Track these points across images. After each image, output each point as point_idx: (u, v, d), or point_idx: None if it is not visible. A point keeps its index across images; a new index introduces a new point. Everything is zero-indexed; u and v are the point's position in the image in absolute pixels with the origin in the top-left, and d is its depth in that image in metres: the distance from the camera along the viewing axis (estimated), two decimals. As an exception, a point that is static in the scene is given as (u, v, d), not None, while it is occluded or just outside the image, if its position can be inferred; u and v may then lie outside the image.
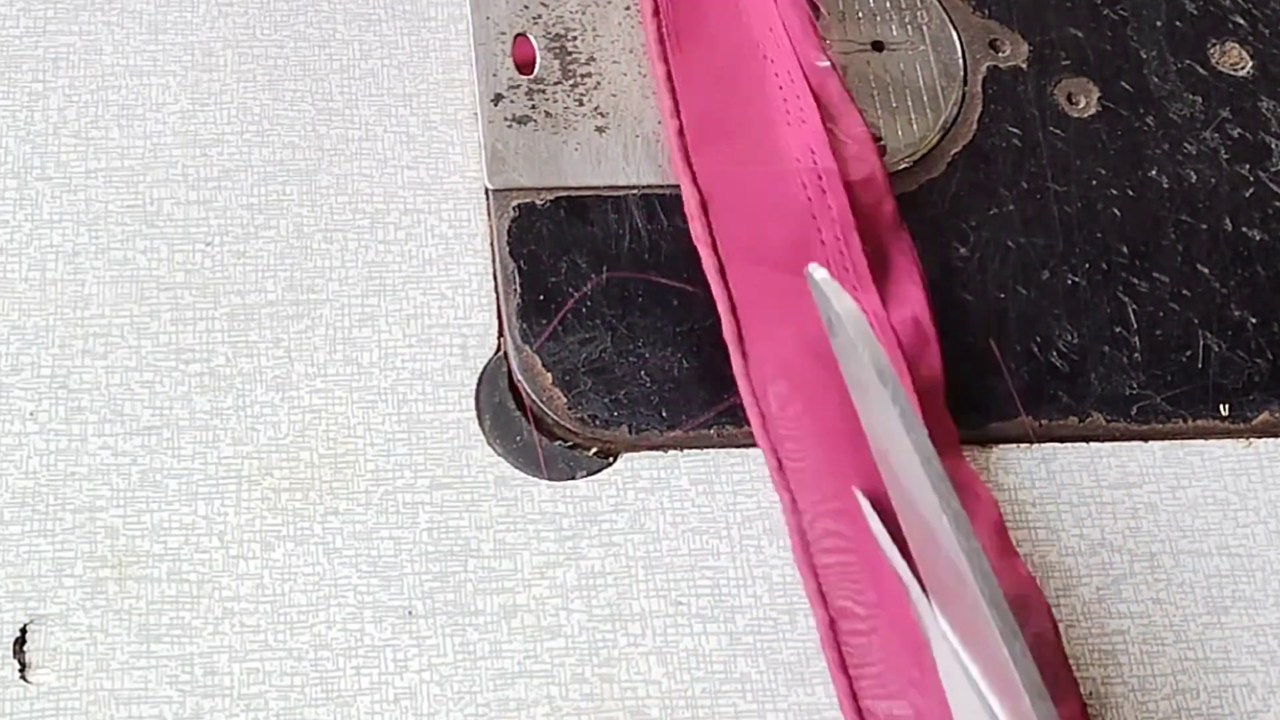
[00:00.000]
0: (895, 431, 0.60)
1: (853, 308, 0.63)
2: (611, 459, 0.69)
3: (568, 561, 0.68)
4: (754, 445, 0.70)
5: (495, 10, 0.79)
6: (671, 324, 0.72)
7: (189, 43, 0.76)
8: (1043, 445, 0.72)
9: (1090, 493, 0.72)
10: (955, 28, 0.81)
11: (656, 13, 0.78)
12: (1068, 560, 0.71)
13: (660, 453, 0.70)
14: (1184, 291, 0.76)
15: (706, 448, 0.70)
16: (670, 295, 0.73)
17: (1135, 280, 0.76)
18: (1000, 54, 0.81)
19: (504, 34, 0.78)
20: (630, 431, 0.70)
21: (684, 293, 0.73)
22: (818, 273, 0.65)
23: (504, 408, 0.70)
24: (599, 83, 0.78)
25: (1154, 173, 0.79)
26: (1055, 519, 0.71)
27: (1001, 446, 0.72)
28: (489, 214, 0.74)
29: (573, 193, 0.75)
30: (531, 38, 0.78)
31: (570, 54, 0.78)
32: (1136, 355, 0.74)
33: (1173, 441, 0.73)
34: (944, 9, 0.82)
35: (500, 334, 0.71)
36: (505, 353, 0.71)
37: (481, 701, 0.65)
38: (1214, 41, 0.83)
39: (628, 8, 0.80)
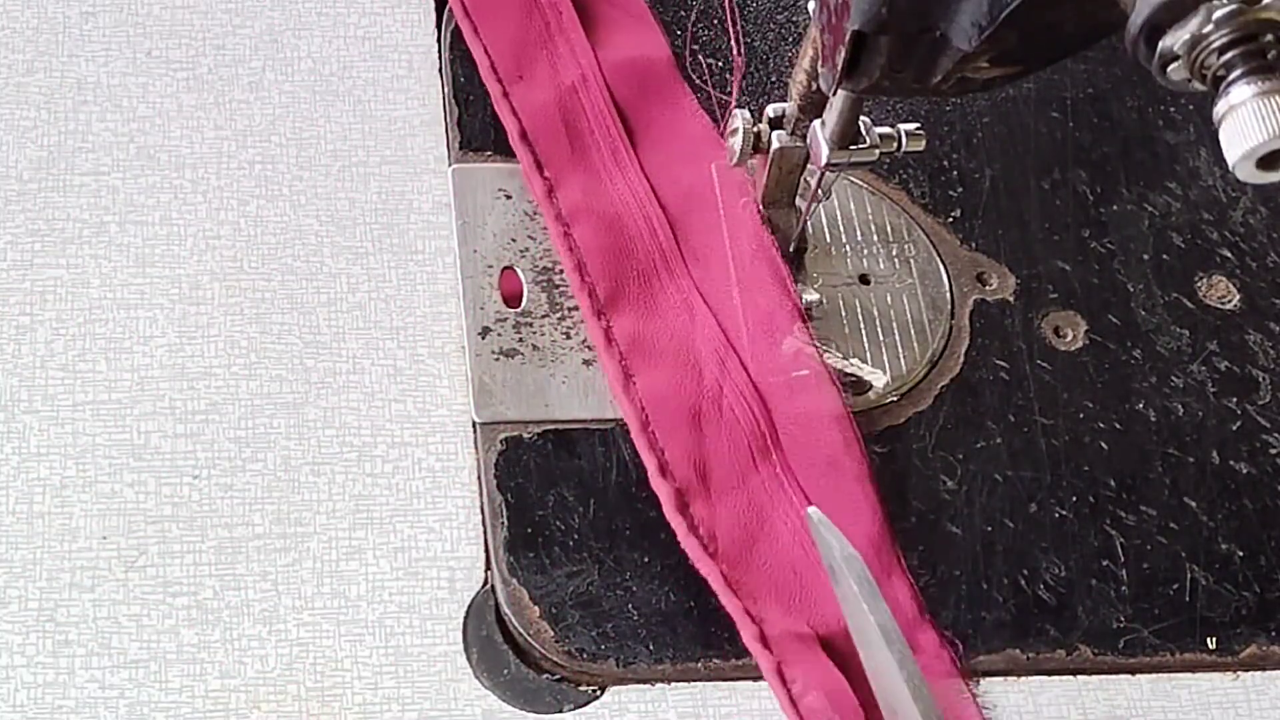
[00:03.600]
0: (900, 691, 0.71)
1: (854, 554, 0.75)
2: (599, 692, 0.78)
3: (555, 795, 0.76)
4: (742, 679, 0.77)
5: (482, 244, 0.88)
6: (659, 557, 0.80)
7: (176, 276, 0.85)
8: (1030, 678, 0.80)
9: (1079, 727, 0.80)
10: (942, 261, 0.91)
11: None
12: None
13: (648, 686, 0.77)
14: (1171, 525, 0.84)
15: (694, 681, 0.77)
16: (657, 528, 0.81)
17: (1122, 513, 0.84)
18: (988, 287, 0.91)
19: (491, 267, 0.88)
20: (618, 665, 0.77)
21: (671, 526, 0.81)
22: (816, 515, 0.77)
23: (491, 641, 0.78)
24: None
25: (1141, 406, 0.88)
26: (1045, 754, 0.79)
27: (988, 679, 0.79)
28: (476, 447, 0.82)
29: (560, 425, 0.83)
30: (519, 270, 0.88)
31: (558, 286, 0.87)
32: (1124, 588, 0.82)
33: (1160, 675, 0.80)
34: (931, 242, 0.91)
35: (488, 567, 0.79)
36: (493, 586, 0.79)
37: None
38: (1201, 275, 0.93)
39: (614, 241, 0.90)
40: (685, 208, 0.89)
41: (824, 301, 0.87)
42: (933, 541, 0.82)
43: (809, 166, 0.84)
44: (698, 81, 0.94)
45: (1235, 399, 0.89)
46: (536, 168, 0.89)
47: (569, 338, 0.86)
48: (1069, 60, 0.93)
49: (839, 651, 0.77)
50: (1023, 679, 0.80)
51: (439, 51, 0.94)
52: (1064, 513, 0.84)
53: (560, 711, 0.77)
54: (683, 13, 0.97)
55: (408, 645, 0.77)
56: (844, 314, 0.88)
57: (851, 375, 0.86)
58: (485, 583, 0.79)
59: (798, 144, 0.83)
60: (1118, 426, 0.87)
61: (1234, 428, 0.88)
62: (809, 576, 0.79)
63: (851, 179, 0.92)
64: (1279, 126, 0.55)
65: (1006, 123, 0.96)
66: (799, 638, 0.77)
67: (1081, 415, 0.87)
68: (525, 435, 0.83)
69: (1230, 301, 0.92)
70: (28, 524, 0.78)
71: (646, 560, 0.80)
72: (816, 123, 0.80)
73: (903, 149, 0.82)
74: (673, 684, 0.78)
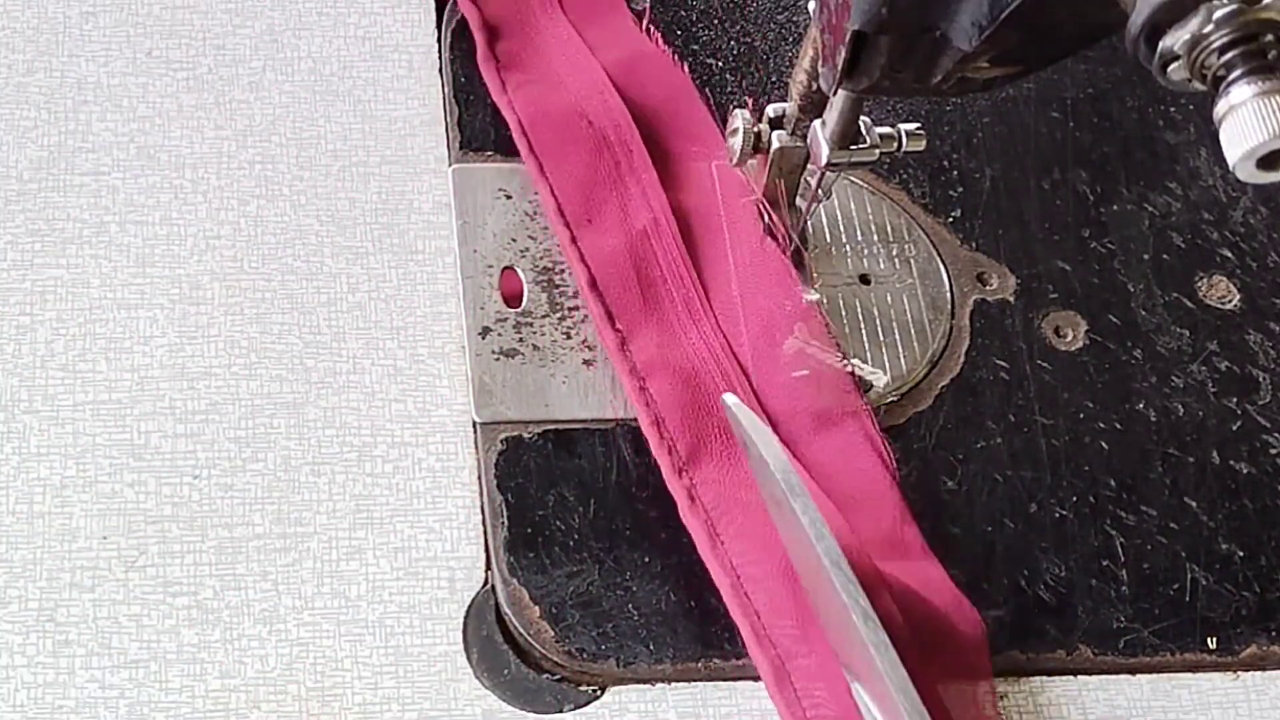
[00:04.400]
0: (805, 539, 0.73)
1: (765, 430, 0.77)
2: (599, 692, 0.78)
3: (555, 796, 0.76)
4: (742, 679, 0.78)
5: (483, 243, 0.88)
6: (659, 557, 0.80)
7: (176, 276, 0.85)
8: (1030, 679, 0.80)
9: (1080, 727, 0.80)
10: (943, 261, 0.91)
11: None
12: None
13: (648, 686, 0.77)
14: (1171, 525, 0.84)
15: (694, 681, 0.78)
16: (658, 529, 0.81)
17: (1123, 513, 0.84)
18: (988, 287, 0.91)
19: (491, 267, 0.88)
20: (618, 665, 0.77)
21: (671, 526, 0.81)
22: (730, 400, 0.79)
23: (492, 641, 0.78)
24: (586, 315, 0.87)
25: (1141, 406, 0.88)
26: (1046, 754, 0.79)
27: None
28: (477, 447, 0.82)
29: (560, 426, 0.83)
30: (519, 270, 0.88)
31: (558, 286, 0.88)
32: (1124, 588, 0.82)
33: (1160, 675, 0.80)
34: (931, 242, 0.91)
35: (488, 567, 0.79)
36: (493, 586, 0.79)
37: None
38: (1201, 275, 0.93)
39: (614, 241, 0.90)
40: (760, 345, 0.87)
41: (824, 301, 0.87)
42: (933, 541, 0.82)
43: (809, 166, 0.84)
44: (698, 82, 0.95)
45: (1235, 399, 0.89)
46: (608, 319, 0.86)
47: (569, 338, 0.86)
48: (1069, 60, 0.93)
49: None
50: (1023, 679, 0.80)
51: (439, 51, 0.95)
52: (1064, 513, 0.84)
53: (560, 711, 0.77)
54: (683, 13, 0.98)
55: (408, 645, 0.77)
56: (844, 314, 0.88)
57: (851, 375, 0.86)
58: (485, 583, 0.79)
59: (798, 144, 0.83)
60: (1118, 426, 0.87)
61: (1234, 428, 0.88)
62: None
63: (851, 179, 0.92)
64: (1279, 126, 0.55)
65: (1006, 123, 0.96)
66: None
67: (1081, 415, 0.87)
68: (525, 435, 0.83)
69: (1230, 301, 0.92)
70: (28, 524, 0.78)
71: (646, 560, 0.80)
72: (816, 123, 0.80)
73: (903, 149, 0.82)
74: (673, 684, 0.78)
